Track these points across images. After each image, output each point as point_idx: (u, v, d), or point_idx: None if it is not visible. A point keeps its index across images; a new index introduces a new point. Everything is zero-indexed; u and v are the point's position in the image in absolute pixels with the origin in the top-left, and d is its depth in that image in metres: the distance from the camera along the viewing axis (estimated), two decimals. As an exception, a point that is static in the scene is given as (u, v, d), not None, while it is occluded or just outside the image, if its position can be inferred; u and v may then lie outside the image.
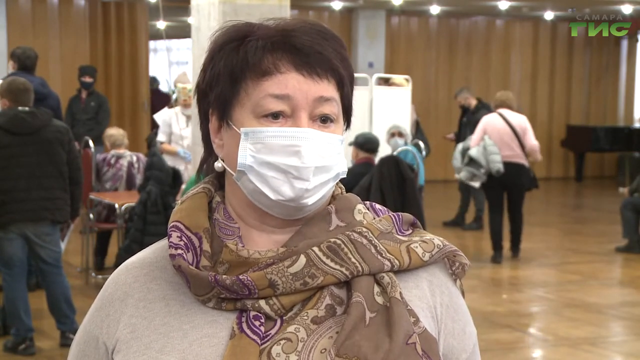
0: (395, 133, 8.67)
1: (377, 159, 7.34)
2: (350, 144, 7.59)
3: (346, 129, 1.35)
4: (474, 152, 9.04)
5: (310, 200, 1.27)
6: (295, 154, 1.25)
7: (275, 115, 1.26)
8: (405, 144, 8.74)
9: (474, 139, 9.29)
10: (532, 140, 9.13)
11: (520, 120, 9.23)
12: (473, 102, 11.62)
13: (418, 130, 10.95)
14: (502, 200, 9.31)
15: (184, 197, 1.36)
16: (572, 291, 8.10)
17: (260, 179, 1.26)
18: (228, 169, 1.31)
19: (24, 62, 7.44)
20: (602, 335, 6.84)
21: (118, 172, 8.15)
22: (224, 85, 1.29)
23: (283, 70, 1.27)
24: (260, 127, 1.26)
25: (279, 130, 1.26)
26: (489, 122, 9.21)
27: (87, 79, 10.53)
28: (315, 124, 1.28)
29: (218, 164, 1.33)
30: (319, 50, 1.28)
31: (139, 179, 7.98)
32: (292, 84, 1.26)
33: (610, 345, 6.65)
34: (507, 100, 9.31)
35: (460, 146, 9.69)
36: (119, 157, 8.19)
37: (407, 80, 10.46)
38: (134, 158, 8.23)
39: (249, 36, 1.29)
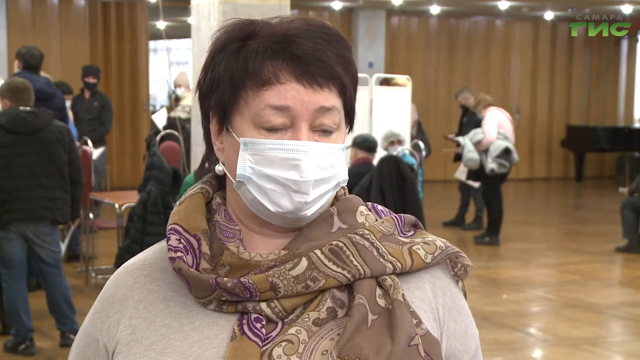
0: (395, 142, 8.52)
1: (375, 159, 7.32)
2: (348, 147, 7.56)
3: (349, 132, 1.34)
4: (509, 144, 9.92)
5: (309, 212, 1.26)
6: (295, 168, 1.24)
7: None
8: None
9: (491, 132, 9.96)
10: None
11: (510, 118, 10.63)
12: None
13: (419, 131, 10.95)
14: None
15: (182, 198, 1.35)
16: (572, 291, 8.10)
17: (259, 191, 1.26)
18: (228, 174, 1.31)
19: (28, 61, 7.40)
20: (602, 335, 6.84)
21: None
22: (224, 91, 1.28)
23: (283, 80, 1.25)
24: (259, 139, 1.25)
25: (279, 142, 1.24)
26: (499, 118, 10.16)
27: (91, 80, 10.52)
28: (316, 134, 1.26)
29: (219, 168, 1.32)
30: (320, 58, 1.26)
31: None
32: (292, 94, 1.24)
33: (610, 345, 6.65)
34: (492, 100, 10.66)
35: (467, 140, 9.90)
36: None
37: (407, 80, 10.45)
38: None
39: (250, 38, 1.28)
